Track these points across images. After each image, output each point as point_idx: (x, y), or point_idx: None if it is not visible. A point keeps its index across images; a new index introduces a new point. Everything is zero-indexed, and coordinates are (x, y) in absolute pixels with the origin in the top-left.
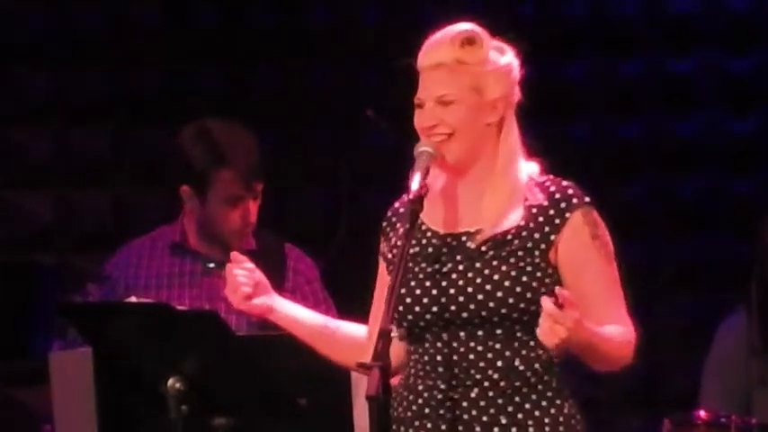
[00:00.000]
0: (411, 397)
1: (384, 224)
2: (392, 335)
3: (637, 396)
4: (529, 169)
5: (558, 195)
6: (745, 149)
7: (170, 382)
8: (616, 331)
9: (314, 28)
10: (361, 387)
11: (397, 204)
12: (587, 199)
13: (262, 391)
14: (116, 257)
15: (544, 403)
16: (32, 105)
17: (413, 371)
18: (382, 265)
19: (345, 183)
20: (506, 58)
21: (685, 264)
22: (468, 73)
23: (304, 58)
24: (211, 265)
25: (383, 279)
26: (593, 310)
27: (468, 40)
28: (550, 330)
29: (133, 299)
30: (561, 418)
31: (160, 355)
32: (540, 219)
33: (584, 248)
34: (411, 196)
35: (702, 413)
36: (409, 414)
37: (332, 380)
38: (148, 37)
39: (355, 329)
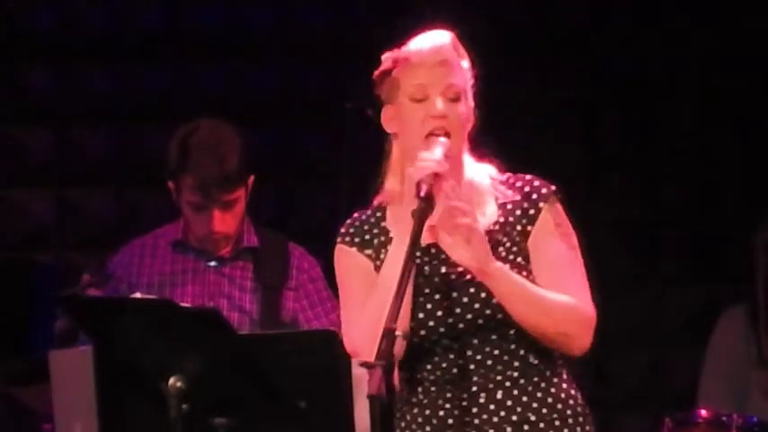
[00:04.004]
0: (427, 412)
1: (348, 237)
2: (396, 334)
3: (637, 394)
4: (488, 170)
5: (527, 189)
6: None
7: (171, 380)
8: (562, 296)
9: (313, 28)
10: (362, 386)
11: (362, 217)
12: (554, 188)
13: (262, 391)
14: (119, 256)
15: (563, 395)
16: (33, 105)
17: (420, 389)
18: (363, 273)
19: (345, 183)
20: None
21: (686, 262)
22: (463, 76)
23: (303, 58)
24: (213, 263)
25: (363, 285)
26: (554, 288)
27: (458, 46)
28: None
29: (138, 295)
30: (579, 409)
31: (162, 352)
32: (518, 212)
33: (549, 234)
34: (422, 194)
35: (703, 412)
36: (428, 429)
37: (332, 380)
38: (149, 37)
39: None
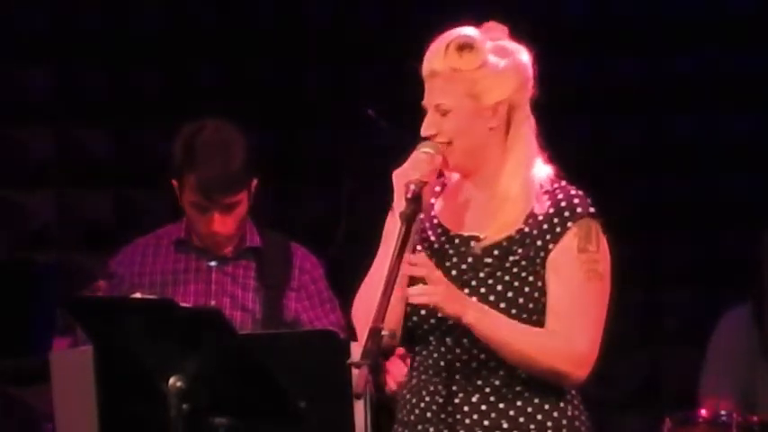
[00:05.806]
0: (414, 400)
1: None
2: (383, 333)
3: (637, 395)
4: (541, 175)
5: (563, 204)
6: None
7: (171, 380)
8: (550, 337)
9: (314, 28)
10: None
11: None
12: (592, 210)
13: (262, 391)
14: (121, 255)
15: (547, 406)
16: (33, 104)
17: (415, 373)
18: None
19: (346, 183)
20: (510, 59)
21: (686, 262)
22: (463, 80)
23: (303, 57)
24: (212, 263)
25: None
26: (552, 319)
27: (463, 46)
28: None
29: (138, 295)
30: (564, 421)
31: (162, 352)
32: (545, 226)
33: (568, 259)
34: (409, 195)
35: (703, 411)
36: (412, 418)
37: (332, 380)
38: (149, 36)
39: None
